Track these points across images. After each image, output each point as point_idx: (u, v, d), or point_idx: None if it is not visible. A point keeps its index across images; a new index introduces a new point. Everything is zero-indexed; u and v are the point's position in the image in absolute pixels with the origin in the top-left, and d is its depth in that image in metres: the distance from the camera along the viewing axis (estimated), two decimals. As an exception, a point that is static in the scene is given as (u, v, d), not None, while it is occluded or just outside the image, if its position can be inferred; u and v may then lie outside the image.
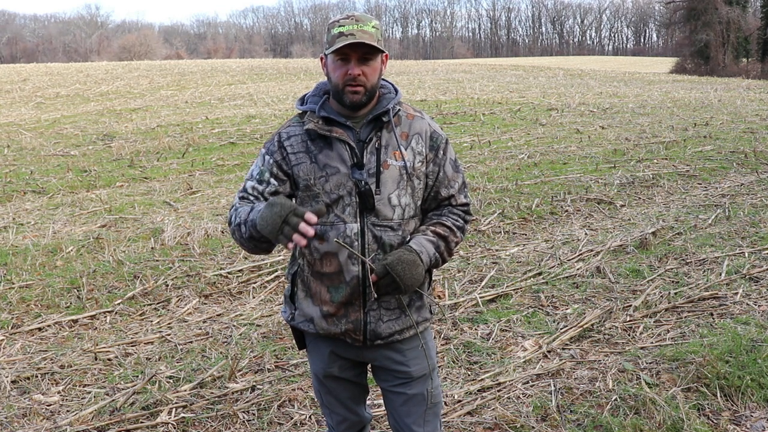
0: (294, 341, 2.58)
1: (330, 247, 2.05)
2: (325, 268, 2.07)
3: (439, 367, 3.58)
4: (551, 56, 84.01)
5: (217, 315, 4.50)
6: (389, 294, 2.06)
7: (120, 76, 25.75)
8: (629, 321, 4.21)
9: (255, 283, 5.02)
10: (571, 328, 4.10)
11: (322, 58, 2.08)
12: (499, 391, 3.40)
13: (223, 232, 6.10)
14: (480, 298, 4.58)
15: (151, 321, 4.42)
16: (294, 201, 2.11)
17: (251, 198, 2.09)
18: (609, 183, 7.98)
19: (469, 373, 3.63)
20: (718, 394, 3.27)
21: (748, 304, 4.42)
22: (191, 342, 4.08)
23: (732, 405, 3.23)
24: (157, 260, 5.42)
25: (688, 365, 3.48)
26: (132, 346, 4.04)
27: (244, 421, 3.18)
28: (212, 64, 34.60)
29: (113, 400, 3.34)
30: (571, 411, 3.21)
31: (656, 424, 3.00)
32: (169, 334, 4.18)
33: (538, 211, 6.89)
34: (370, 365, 2.30)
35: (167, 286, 4.92)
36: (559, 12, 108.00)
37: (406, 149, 2.08)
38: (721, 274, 4.98)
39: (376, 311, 2.10)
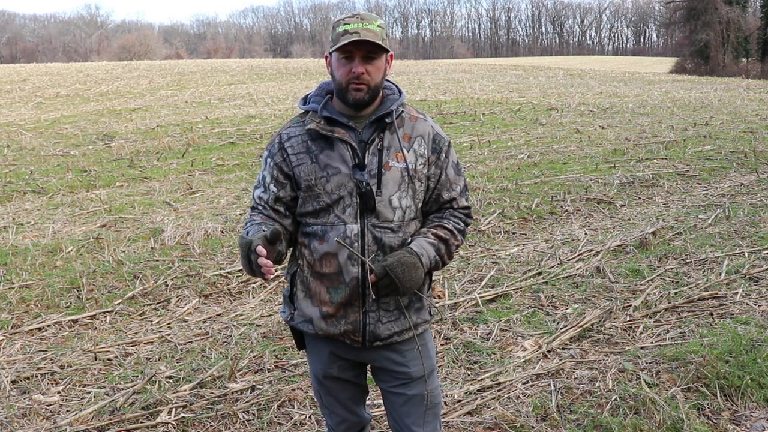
0: (293, 341, 2.58)
1: (330, 247, 2.05)
2: (325, 269, 2.07)
3: (439, 367, 3.59)
4: (551, 56, 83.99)
5: (217, 315, 4.50)
6: (388, 295, 2.06)
7: (120, 76, 25.74)
8: (629, 321, 4.21)
9: (255, 283, 5.01)
10: (571, 328, 4.10)
11: (326, 57, 2.08)
12: (498, 391, 3.40)
13: (222, 232, 6.11)
14: (480, 298, 4.58)
15: (151, 321, 4.42)
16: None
17: (260, 208, 2.14)
18: (609, 183, 7.98)
19: (469, 373, 3.63)
20: (718, 394, 3.27)
21: (747, 304, 4.42)
22: (191, 342, 4.08)
23: (732, 405, 3.23)
24: (157, 260, 5.42)
25: (688, 365, 3.48)
26: (132, 346, 4.04)
27: (244, 421, 3.18)
28: (212, 64, 34.58)
29: (113, 400, 3.34)
30: (570, 411, 3.21)
31: (656, 424, 3.00)
32: (168, 334, 4.18)
33: (538, 211, 6.89)
34: (369, 366, 2.30)
35: (167, 286, 4.92)
36: (559, 12, 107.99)
37: (408, 151, 2.08)
38: (720, 274, 4.98)
39: (375, 312, 2.10)
